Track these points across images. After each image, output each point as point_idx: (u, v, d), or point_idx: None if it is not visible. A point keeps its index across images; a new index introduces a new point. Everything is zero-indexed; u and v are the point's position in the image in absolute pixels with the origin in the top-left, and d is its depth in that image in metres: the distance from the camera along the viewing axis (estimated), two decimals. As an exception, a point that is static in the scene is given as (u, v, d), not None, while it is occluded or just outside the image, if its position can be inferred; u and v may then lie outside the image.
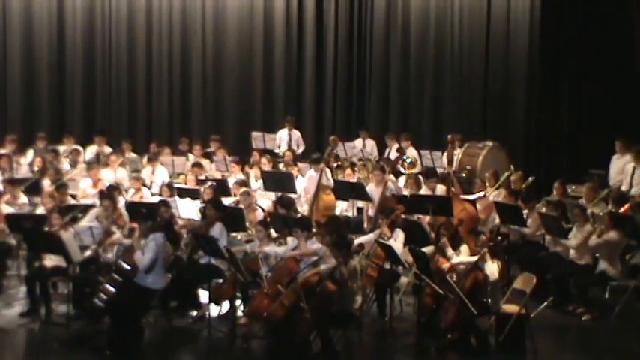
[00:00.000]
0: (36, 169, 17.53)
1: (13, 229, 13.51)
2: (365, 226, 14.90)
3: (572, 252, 13.51)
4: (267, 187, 16.21)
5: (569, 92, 19.74)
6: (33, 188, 15.62)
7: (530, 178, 16.76)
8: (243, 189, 15.57)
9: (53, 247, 12.33)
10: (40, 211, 14.21)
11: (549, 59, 20.27)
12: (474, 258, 11.82)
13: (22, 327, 12.56)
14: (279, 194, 15.50)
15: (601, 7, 18.38)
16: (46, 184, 15.88)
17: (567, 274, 13.36)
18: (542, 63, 20.63)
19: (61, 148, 18.96)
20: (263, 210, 14.84)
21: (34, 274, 12.88)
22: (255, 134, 20.12)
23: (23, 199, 15.06)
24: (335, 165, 17.70)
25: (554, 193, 15.92)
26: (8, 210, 14.04)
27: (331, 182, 16.29)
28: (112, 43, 21.77)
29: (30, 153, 18.74)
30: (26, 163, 18.09)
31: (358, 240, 12.78)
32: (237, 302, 12.38)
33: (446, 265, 11.95)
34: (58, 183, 15.66)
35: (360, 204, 15.70)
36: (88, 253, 12.69)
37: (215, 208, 13.47)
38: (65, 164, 17.95)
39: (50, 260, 12.72)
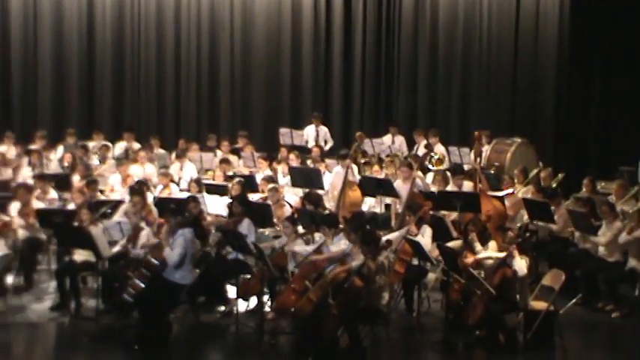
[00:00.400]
0: (66, 164, 17.64)
1: (43, 224, 13.60)
2: (392, 222, 14.90)
3: (601, 249, 13.47)
4: (294, 183, 16.24)
5: (599, 88, 19.67)
6: (63, 183, 15.70)
7: (559, 175, 16.71)
8: (271, 185, 15.61)
9: (82, 242, 12.41)
10: (70, 206, 14.29)
11: (579, 55, 20.21)
12: (501, 254, 11.81)
13: (52, 321, 12.65)
14: (307, 190, 15.52)
15: (632, 1, 18.26)
16: (76, 179, 15.96)
17: (597, 271, 13.34)
18: (571, 59, 20.57)
19: (91, 144, 19.03)
20: (291, 206, 14.84)
21: (64, 268, 12.97)
22: (282, 130, 20.13)
23: (53, 194, 15.14)
24: (362, 161, 17.69)
25: (584, 189, 15.92)
26: (38, 205, 14.12)
27: (357, 178, 16.29)
28: (141, 40, 21.84)
29: (60, 149, 18.84)
30: (56, 159, 18.19)
31: (386, 237, 12.80)
32: (265, 298, 12.42)
33: (469, 260, 11.93)
34: (87, 179, 15.72)
35: (388, 200, 15.70)
36: (117, 248, 12.79)
37: (241, 204, 13.51)
38: (94, 160, 18.03)
39: (80, 255, 12.80)
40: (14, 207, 13.95)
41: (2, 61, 21.46)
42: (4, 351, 11.74)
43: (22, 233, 13.65)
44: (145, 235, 12.63)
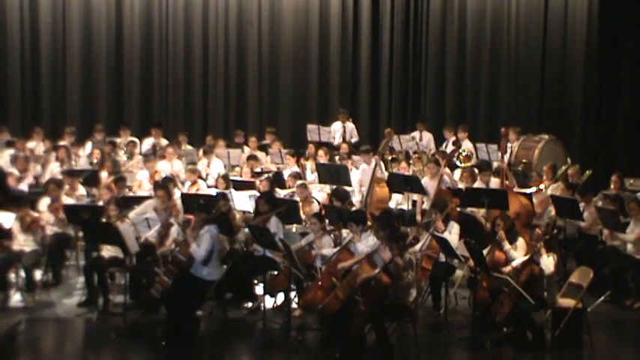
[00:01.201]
0: (94, 160, 17.70)
1: (71, 219, 13.65)
2: (418, 218, 14.89)
3: (629, 246, 13.44)
4: (322, 180, 16.24)
5: (628, 82, 19.57)
6: (91, 180, 15.77)
7: (587, 172, 16.65)
8: (299, 181, 15.62)
9: (110, 238, 12.47)
10: (99, 202, 14.36)
11: (607, 51, 20.14)
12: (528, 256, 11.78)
13: (80, 317, 12.71)
14: (334, 187, 15.52)
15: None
16: (104, 175, 16.02)
17: (625, 268, 13.30)
18: (600, 55, 20.50)
19: (119, 141, 19.12)
20: (318, 202, 14.85)
21: (92, 264, 13.04)
22: (310, 127, 20.15)
23: (81, 190, 15.21)
24: (390, 158, 17.67)
25: (612, 186, 15.86)
26: (67, 201, 14.18)
27: (385, 175, 16.27)
28: (169, 37, 21.91)
29: (88, 145, 18.92)
30: (84, 155, 18.26)
31: (414, 234, 12.81)
32: (292, 294, 12.42)
33: (507, 269, 11.86)
34: (115, 175, 15.78)
35: (415, 197, 15.67)
36: (150, 237, 12.84)
37: (269, 200, 13.53)
38: (122, 156, 18.09)
39: (107, 251, 12.89)
40: (44, 203, 14.02)
41: (32, 59, 21.58)
42: (33, 346, 11.82)
43: (50, 229, 13.71)
44: (175, 230, 12.68)
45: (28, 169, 16.78)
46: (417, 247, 12.85)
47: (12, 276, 13.25)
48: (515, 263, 11.82)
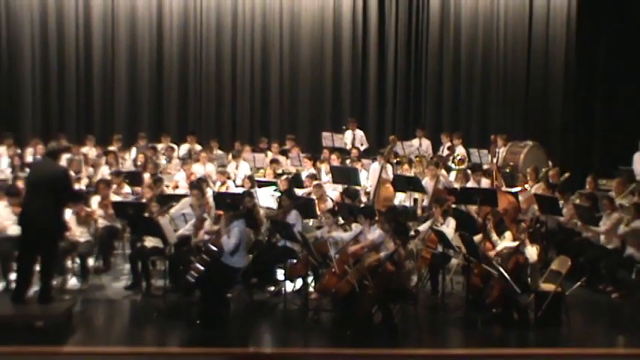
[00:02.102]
0: (138, 163, 17.73)
1: (118, 214, 13.70)
2: (419, 213, 14.88)
3: (602, 238, 13.44)
4: (335, 180, 16.24)
5: (601, 99, 19.53)
6: (135, 180, 15.79)
7: (566, 174, 16.61)
8: (315, 182, 15.62)
9: (152, 230, 12.53)
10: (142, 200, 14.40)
11: (584, 69, 20.07)
12: (516, 244, 11.80)
13: (126, 298, 12.72)
14: (346, 186, 15.51)
15: (633, 18, 18.10)
16: (146, 176, 16.04)
17: (598, 257, 13.30)
18: (577, 72, 20.41)
19: (159, 146, 19.14)
20: (332, 200, 14.84)
21: (137, 253, 13.08)
22: (325, 134, 20.13)
23: (127, 189, 15.24)
24: (394, 161, 17.64)
25: (587, 186, 15.82)
26: (115, 198, 14.22)
27: (390, 176, 16.26)
28: (203, 56, 21.91)
29: (133, 150, 18.96)
30: (130, 159, 18.30)
31: (415, 227, 12.82)
32: (309, 280, 12.41)
33: (492, 253, 11.90)
34: (155, 176, 15.81)
35: (416, 195, 15.66)
36: (185, 230, 12.87)
37: (289, 197, 13.57)
38: (162, 160, 18.11)
39: (150, 242, 12.94)
40: (95, 200, 14.06)
41: (85, 77, 21.63)
42: (86, 323, 11.84)
43: (101, 222, 13.76)
44: (208, 224, 12.72)
45: (81, 170, 16.82)
46: (423, 226, 12.89)
47: (69, 263, 13.28)
48: (499, 248, 11.87)
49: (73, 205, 13.06)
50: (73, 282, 13.21)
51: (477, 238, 12.32)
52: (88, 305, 12.35)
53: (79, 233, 13.25)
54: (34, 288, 11.52)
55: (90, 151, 18.61)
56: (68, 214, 13.12)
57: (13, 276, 12.00)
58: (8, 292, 11.85)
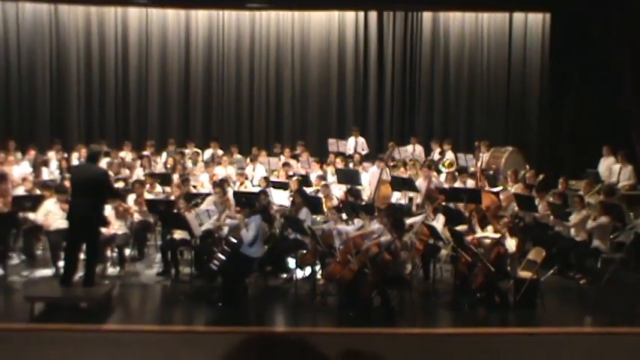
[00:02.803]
0: (168, 166, 17.77)
1: (151, 210, 13.76)
2: (414, 210, 14.89)
3: (572, 231, 13.45)
4: (340, 181, 16.25)
5: (571, 112, 19.54)
6: (165, 181, 15.83)
7: (541, 175, 16.62)
8: (322, 182, 15.64)
9: (180, 224, 12.61)
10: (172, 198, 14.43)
11: (556, 85, 20.07)
12: (496, 236, 11.82)
13: (158, 283, 12.77)
14: (349, 186, 15.52)
15: (598, 40, 18.10)
16: (175, 177, 16.07)
17: (568, 248, 13.37)
18: (550, 88, 20.41)
19: (186, 151, 19.18)
20: (337, 198, 14.86)
21: (167, 244, 13.13)
22: (331, 140, 20.18)
23: (158, 188, 15.28)
24: (392, 164, 17.66)
25: (559, 186, 15.85)
26: (148, 196, 14.27)
27: (389, 178, 16.28)
28: (224, 74, 21.94)
29: (164, 154, 18.99)
30: (161, 162, 18.34)
31: (409, 221, 12.82)
32: (317, 268, 12.43)
33: (470, 237, 11.93)
34: (183, 177, 15.85)
35: (411, 194, 15.67)
36: (208, 226, 12.88)
37: (299, 196, 13.59)
38: (189, 163, 18.15)
39: (178, 234, 12.99)
40: (131, 198, 14.10)
41: (123, 90, 21.69)
42: (124, 304, 11.89)
43: (136, 217, 13.80)
44: (228, 219, 12.74)
45: (119, 172, 16.86)
46: (415, 219, 12.90)
47: (108, 252, 13.33)
48: (477, 235, 11.92)
49: (112, 202, 13.12)
50: (111, 269, 13.26)
51: (462, 228, 12.37)
52: (125, 289, 12.41)
53: (117, 227, 13.30)
54: (80, 274, 11.58)
55: (127, 155, 18.67)
56: (108, 210, 13.18)
57: (61, 263, 12.06)
58: (57, 277, 11.92)
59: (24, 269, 13.29)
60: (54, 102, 21.40)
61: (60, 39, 21.30)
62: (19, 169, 17.18)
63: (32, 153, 18.34)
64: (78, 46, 21.40)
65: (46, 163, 17.57)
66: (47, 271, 12.96)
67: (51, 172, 17.30)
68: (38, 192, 14.36)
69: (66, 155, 18.22)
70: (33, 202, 13.77)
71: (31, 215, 13.61)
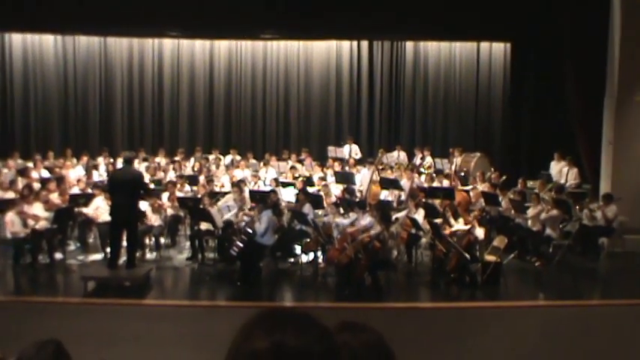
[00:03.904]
0: (195, 169, 17.77)
1: (181, 206, 13.80)
2: (399, 205, 14.90)
3: (529, 222, 13.48)
4: (338, 181, 16.25)
5: (529, 125, 19.52)
6: (193, 181, 15.84)
7: (504, 176, 16.60)
8: (323, 182, 15.66)
9: (205, 217, 12.64)
10: (198, 195, 14.44)
11: (516, 101, 20.05)
12: (468, 227, 11.84)
13: (187, 267, 12.82)
14: (346, 186, 15.53)
15: (550, 65, 18.11)
16: (201, 179, 16.09)
17: (526, 236, 13.41)
18: (511, 104, 20.41)
19: (210, 157, 19.15)
20: (335, 196, 14.87)
21: (194, 234, 13.17)
22: (330, 147, 20.12)
23: (187, 188, 15.31)
24: (381, 167, 17.66)
25: (519, 185, 15.84)
26: (179, 194, 14.30)
27: (378, 178, 16.28)
28: (241, 93, 21.86)
29: (192, 159, 18.98)
30: (190, 166, 18.32)
31: (395, 215, 12.85)
32: (319, 253, 12.47)
33: (448, 231, 11.95)
34: (208, 178, 15.86)
35: (396, 192, 15.68)
36: (228, 217, 12.90)
37: (304, 194, 13.61)
38: (212, 166, 18.15)
39: (204, 226, 13.01)
40: (165, 195, 14.13)
41: (158, 107, 21.67)
42: (159, 284, 11.93)
43: (169, 212, 13.83)
44: (244, 213, 12.78)
45: (155, 174, 16.88)
46: (401, 214, 12.94)
47: (146, 240, 13.37)
48: (454, 229, 11.94)
49: (148, 199, 13.18)
50: (149, 254, 13.31)
51: (438, 221, 12.40)
52: (161, 271, 12.46)
53: (153, 219, 13.33)
54: (123, 258, 11.63)
55: (161, 160, 18.64)
56: (145, 206, 13.23)
57: (108, 250, 12.12)
58: (106, 261, 12.00)
59: (79, 254, 13.39)
60: (102, 117, 21.44)
61: (108, 65, 21.34)
62: (75, 172, 17.25)
63: (85, 159, 18.37)
64: (122, 71, 21.44)
65: (96, 167, 17.61)
66: (97, 256, 13.06)
67: (100, 175, 17.33)
68: (90, 191, 14.43)
69: (112, 160, 18.19)
70: (86, 199, 13.88)
71: (84, 210, 13.69)
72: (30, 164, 17.37)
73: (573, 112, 17.19)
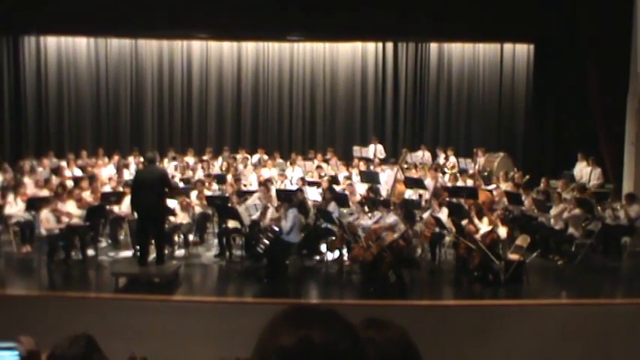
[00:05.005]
0: (223, 168, 17.84)
1: (209, 204, 13.82)
2: (423, 204, 14.85)
3: (552, 221, 13.35)
4: (362, 180, 16.22)
5: (552, 124, 19.39)
6: (221, 180, 15.90)
7: (527, 176, 16.49)
8: (348, 181, 15.64)
9: (233, 215, 12.65)
10: (226, 194, 14.50)
11: (539, 101, 19.92)
12: (490, 226, 11.76)
13: (215, 263, 12.87)
14: (370, 185, 15.50)
15: (575, 65, 17.94)
16: (229, 177, 16.15)
17: (549, 235, 13.28)
18: (534, 105, 20.27)
19: (238, 156, 19.21)
20: (360, 194, 14.85)
21: (222, 231, 13.20)
22: (355, 147, 20.12)
23: (215, 186, 15.37)
24: (405, 166, 17.61)
25: (542, 185, 15.72)
26: (207, 193, 14.35)
27: (403, 177, 16.23)
28: (269, 94, 21.88)
29: (220, 159, 19.05)
30: (218, 165, 18.40)
31: (420, 214, 12.81)
32: (344, 251, 12.46)
33: (472, 230, 11.87)
34: (235, 177, 15.91)
35: (420, 191, 15.62)
36: (254, 217, 12.94)
37: (329, 192, 13.60)
38: (240, 165, 18.21)
39: (231, 223, 13.03)
40: (194, 194, 14.20)
41: (187, 108, 21.76)
42: (188, 281, 12.00)
43: (198, 210, 13.89)
44: (271, 212, 12.79)
45: (184, 173, 16.98)
46: (425, 215, 12.91)
47: (175, 238, 13.44)
48: (481, 231, 11.83)
49: (177, 197, 13.27)
50: (178, 251, 13.38)
51: (464, 222, 12.32)
52: (189, 268, 12.53)
53: (182, 217, 13.40)
54: (153, 255, 11.71)
55: (190, 159, 18.75)
56: (174, 204, 13.31)
57: (138, 247, 12.21)
58: (136, 257, 12.07)
59: (110, 251, 13.49)
60: (133, 118, 21.60)
61: (138, 67, 21.49)
62: (106, 171, 17.40)
63: (116, 158, 18.53)
64: (152, 72, 21.58)
65: (127, 166, 17.72)
66: (128, 253, 13.14)
67: (130, 173, 17.37)
68: (121, 189, 14.55)
69: (142, 159, 18.34)
70: (117, 197, 13.99)
71: (115, 208, 13.81)
72: (64, 163, 17.57)
73: (596, 112, 17.02)
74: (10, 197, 13.57)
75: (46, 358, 3.33)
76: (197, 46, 21.63)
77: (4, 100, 20.45)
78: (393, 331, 2.16)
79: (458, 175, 16.54)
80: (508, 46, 21.30)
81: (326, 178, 15.68)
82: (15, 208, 13.35)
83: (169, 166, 17.77)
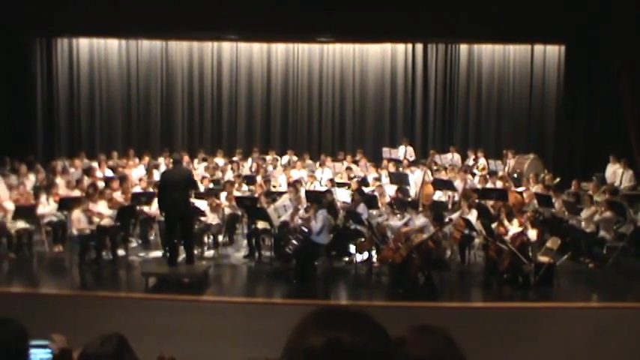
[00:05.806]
0: (253, 169, 17.89)
1: (239, 205, 13.88)
2: (450, 207, 14.78)
3: (582, 224, 13.19)
4: (392, 182, 16.17)
5: (583, 125, 19.20)
6: (251, 181, 15.95)
7: (557, 178, 16.35)
8: (378, 183, 15.60)
9: (262, 216, 12.70)
10: (255, 195, 14.54)
11: (570, 103, 19.74)
12: (520, 228, 11.67)
13: (244, 264, 12.92)
14: (400, 186, 15.45)
15: (605, 65, 17.75)
16: (258, 179, 16.19)
17: (579, 238, 13.14)
18: (565, 106, 20.07)
19: (267, 157, 19.28)
20: (390, 196, 14.80)
21: (252, 232, 13.24)
22: (384, 149, 20.07)
23: (245, 187, 15.41)
24: (435, 168, 17.52)
25: (572, 187, 15.55)
26: (236, 194, 14.39)
27: (431, 179, 16.16)
28: (298, 96, 21.94)
29: (249, 160, 19.12)
30: (247, 166, 18.47)
31: (449, 216, 12.75)
32: (373, 253, 12.42)
33: (502, 232, 11.78)
34: (265, 178, 15.95)
35: (450, 193, 15.54)
36: (284, 218, 12.94)
37: (359, 194, 13.58)
38: (269, 166, 18.26)
39: (261, 224, 13.06)
40: (223, 195, 14.26)
41: (217, 109, 21.91)
42: (217, 281, 12.08)
43: (227, 210, 13.95)
44: (300, 213, 12.79)
45: (214, 174, 17.06)
46: (454, 216, 12.85)
47: (205, 239, 13.51)
48: (511, 233, 11.74)
49: (206, 198, 13.35)
50: (208, 252, 13.45)
51: (494, 225, 12.23)
52: (218, 268, 12.60)
53: (212, 218, 13.47)
54: (182, 255, 11.79)
55: (220, 160, 18.85)
56: (204, 205, 13.39)
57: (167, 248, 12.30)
58: (166, 257, 12.15)
59: (140, 251, 13.61)
60: (163, 119, 21.78)
61: (169, 68, 21.68)
62: (137, 171, 17.56)
63: (146, 159, 18.67)
64: (183, 74, 21.74)
65: (157, 167, 17.85)
66: (158, 253, 13.22)
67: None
68: (151, 190, 14.66)
69: (172, 160, 18.48)
70: (147, 197, 14.10)
71: (145, 208, 13.93)
72: (95, 164, 17.77)
73: (627, 114, 16.80)
74: (43, 197, 13.76)
75: (78, 356, 3.36)
76: (227, 47, 21.75)
77: (37, 102, 20.77)
78: (440, 337, 2.15)
79: (487, 176, 16.44)
80: (539, 47, 21.13)
81: (355, 180, 15.66)
82: (47, 208, 13.54)
83: (199, 167, 17.87)
